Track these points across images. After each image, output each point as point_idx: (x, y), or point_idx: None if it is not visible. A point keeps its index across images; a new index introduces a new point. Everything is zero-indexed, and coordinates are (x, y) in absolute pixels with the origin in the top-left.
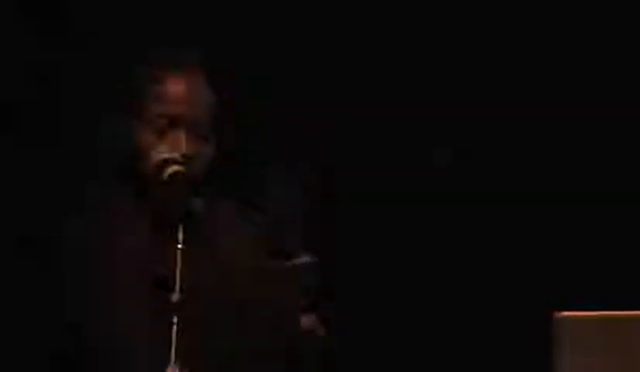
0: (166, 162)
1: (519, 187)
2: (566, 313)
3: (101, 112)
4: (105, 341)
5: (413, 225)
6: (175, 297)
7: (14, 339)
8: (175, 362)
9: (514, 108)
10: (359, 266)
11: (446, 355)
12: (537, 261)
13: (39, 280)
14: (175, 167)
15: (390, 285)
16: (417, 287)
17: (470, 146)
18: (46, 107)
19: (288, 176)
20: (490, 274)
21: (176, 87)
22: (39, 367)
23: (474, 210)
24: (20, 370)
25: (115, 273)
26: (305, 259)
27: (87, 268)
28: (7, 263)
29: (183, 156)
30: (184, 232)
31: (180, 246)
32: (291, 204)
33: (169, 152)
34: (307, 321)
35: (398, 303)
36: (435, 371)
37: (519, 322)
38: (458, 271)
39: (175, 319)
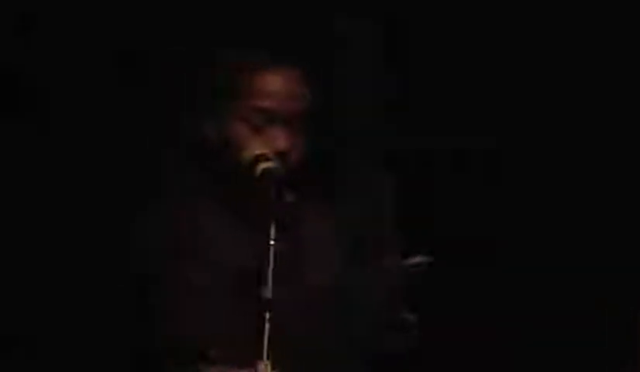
0: (259, 158)
1: (603, 184)
2: None
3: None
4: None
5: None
6: (267, 293)
7: (96, 335)
8: (268, 358)
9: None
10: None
11: (535, 353)
12: (624, 260)
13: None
14: (268, 164)
15: (471, 284)
16: (501, 280)
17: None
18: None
19: (379, 175)
20: (577, 273)
21: (273, 81)
22: (122, 364)
23: (562, 210)
24: (103, 369)
25: (199, 267)
26: (418, 259)
27: (168, 260)
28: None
29: (276, 152)
30: (276, 229)
31: (272, 242)
32: (384, 202)
33: (263, 148)
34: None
35: (481, 300)
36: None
37: (605, 321)
38: (544, 269)
39: (267, 315)
